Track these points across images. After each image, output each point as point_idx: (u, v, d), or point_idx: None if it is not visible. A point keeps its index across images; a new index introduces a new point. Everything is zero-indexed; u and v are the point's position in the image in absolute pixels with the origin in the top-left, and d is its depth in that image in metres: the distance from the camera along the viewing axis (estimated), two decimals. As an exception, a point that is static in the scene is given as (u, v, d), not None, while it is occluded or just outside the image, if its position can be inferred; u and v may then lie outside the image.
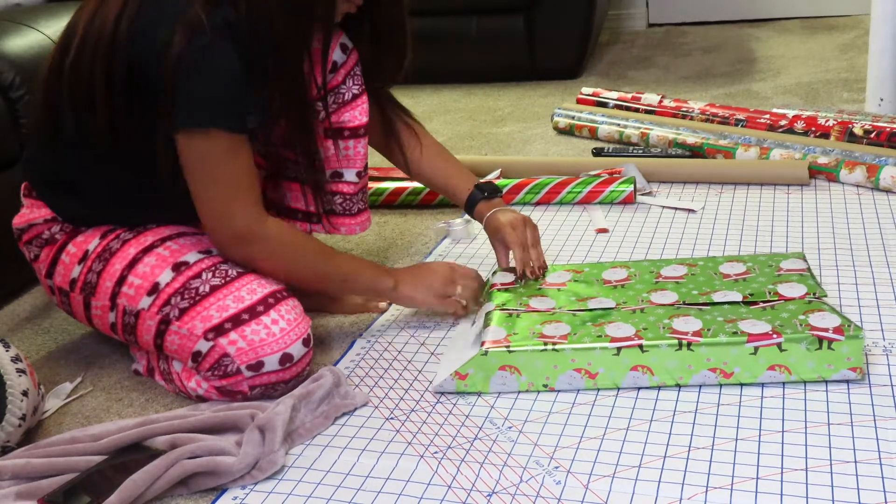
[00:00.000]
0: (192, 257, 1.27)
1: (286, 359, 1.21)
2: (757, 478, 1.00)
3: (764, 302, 1.25)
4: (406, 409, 1.21)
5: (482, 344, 1.21)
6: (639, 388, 1.19)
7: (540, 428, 1.13)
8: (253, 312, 1.21)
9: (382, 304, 1.50)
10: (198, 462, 1.07)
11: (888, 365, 1.18)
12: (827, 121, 2.03)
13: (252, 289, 1.24)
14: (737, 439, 1.06)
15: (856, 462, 1.00)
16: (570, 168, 2.00)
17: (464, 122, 2.62)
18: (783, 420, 1.09)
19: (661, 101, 2.35)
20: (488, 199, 1.48)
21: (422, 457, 1.10)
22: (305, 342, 1.24)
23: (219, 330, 1.20)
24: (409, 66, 1.41)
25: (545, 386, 1.20)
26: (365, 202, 1.46)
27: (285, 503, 1.04)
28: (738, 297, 1.26)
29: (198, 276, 1.25)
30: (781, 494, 0.97)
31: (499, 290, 1.38)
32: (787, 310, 1.21)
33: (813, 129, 2.03)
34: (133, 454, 1.10)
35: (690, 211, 1.78)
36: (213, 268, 1.26)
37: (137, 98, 1.20)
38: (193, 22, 1.14)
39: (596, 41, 3.31)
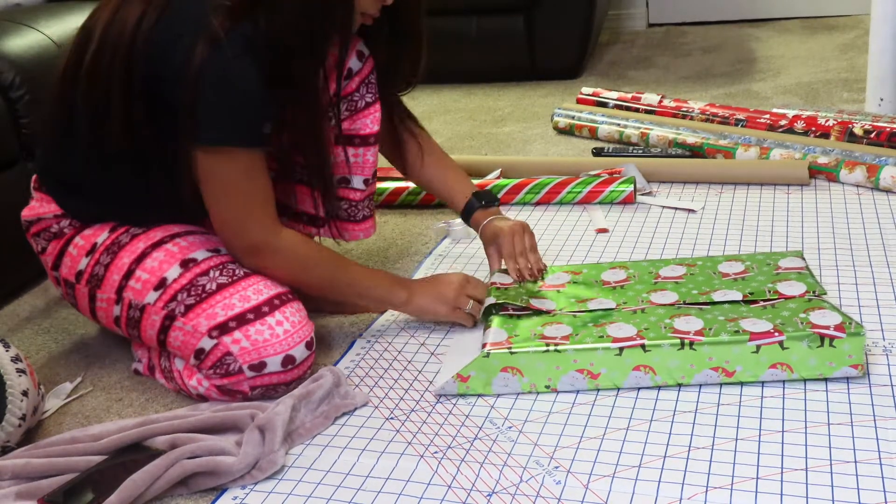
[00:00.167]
0: (200, 255, 1.28)
1: (288, 360, 1.21)
2: (757, 478, 1.00)
3: (764, 300, 1.25)
4: (406, 409, 1.21)
5: (484, 346, 1.21)
6: (639, 389, 1.19)
7: (540, 428, 1.13)
8: (258, 313, 1.21)
9: (382, 305, 1.50)
10: (198, 462, 1.07)
11: (888, 365, 1.18)
12: (827, 121, 2.03)
13: (258, 289, 1.24)
14: (737, 439, 1.06)
15: (856, 462, 1.00)
16: (570, 168, 2.00)
17: (464, 122, 2.62)
18: (783, 420, 1.09)
19: (661, 101, 2.35)
20: (485, 208, 1.49)
21: (422, 457, 1.10)
22: (308, 345, 1.24)
23: (223, 328, 1.21)
24: (423, 72, 1.41)
25: (547, 387, 1.20)
26: (371, 209, 1.46)
27: (285, 503, 1.04)
28: (738, 297, 1.26)
29: (205, 273, 1.25)
30: (781, 494, 0.97)
31: (499, 288, 1.38)
32: (788, 308, 1.21)
33: (813, 129, 2.03)
34: (133, 454, 1.10)
35: (690, 211, 1.78)
36: (221, 266, 1.26)
37: (155, 107, 1.20)
38: (214, 36, 1.14)
39: (596, 41, 3.31)
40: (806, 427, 1.07)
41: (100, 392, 1.35)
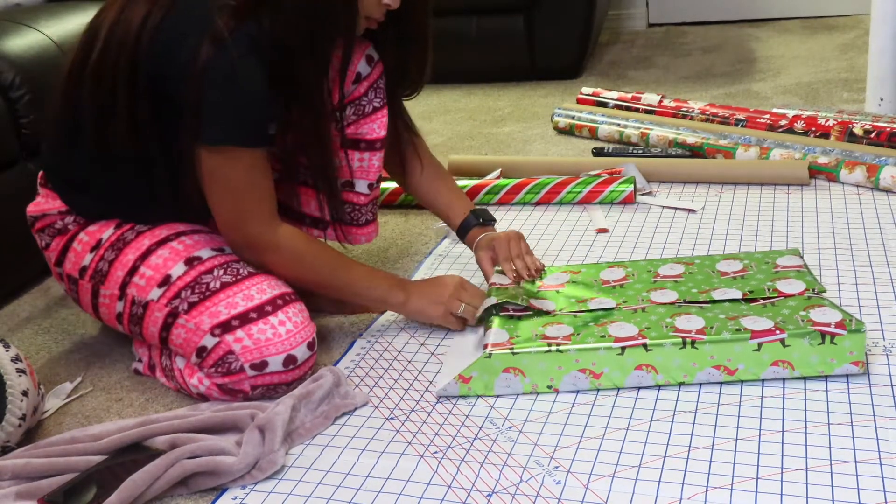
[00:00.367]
0: (205, 253, 1.28)
1: (290, 360, 1.21)
2: (757, 478, 1.00)
3: (764, 299, 1.25)
4: (406, 409, 1.21)
5: (485, 347, 1.21)
6: (639, 388, 1.19)
7: (540, 428, 1.13)
8: (261, 312, 1.22)
9: (382, 305, 1.50)
10: (198, 462, 1.07)
11: (888, 364, 1.18)
12: (827, 121, 2.03)
13: (262, 288, 1.24)
14: (737, 439, 1.06)
15: (856, 462, 1.00)
16: (570, 168, 2.00)
17: (464, 122, 2.62)
18: (783, 420, 1.09)
19: (661, 101, 2.35)
20: (482, 227, 1.49)
21: (422, 457, 1.10)
22: (310, 346, 1.24)
23: (226, 326, 1.21)
24: (428, 76, 1.42)
25: (549, 387, 1.20)
26: (374, 213, 1.47)
27: (285, 503, 1.04)
28: (738, 295, 1.26)
29: (209, 271, 1.25)
30: (781, 494, 0.97)
31: (498, 288, 1.38)
32: (788, 306, 1.21)
33: (813, 129, 2.03)
34: (133, 454, 1.10)
35: (690, 211, 1.78)
36: (226, 265, 1.27)
37: (160, 106, 1.21)
38: (219, 36, 1.15)
39: (596, 41, 3.31)
40: (806, 427, 1.08)
41: (100, 392, 1.35)
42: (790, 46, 3.14)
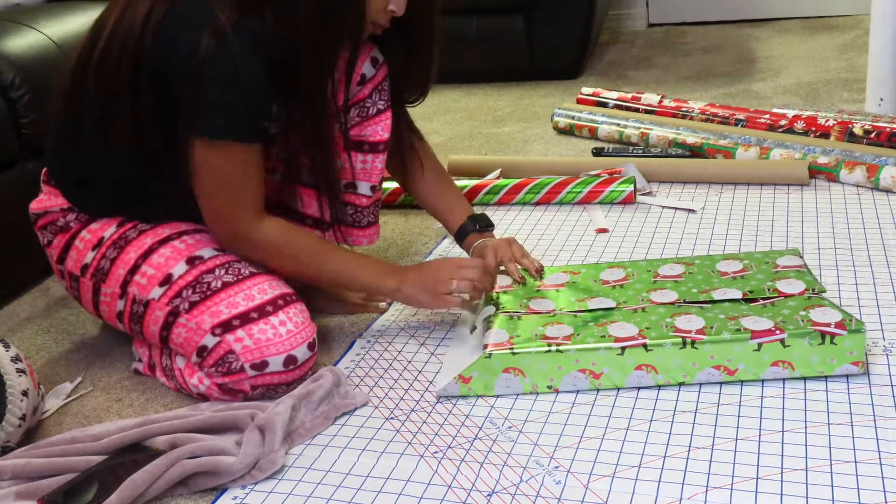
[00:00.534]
0: (207, 252, 1.28)
1: (290, 361, 1.21)
2: (757, 478, 1.00)
3: (764, 299, 1.25)
4: (406, 409, 1.21)
5: (485, 347, 1.21)
6: (639, 388, 1.19)
7: (540, 428, 1.13)
8: (262, 312, 1.22)
9: (382, 305, 1.50)
10: (198, 462, 1.07)
11: (888, 365, 1.18)
12: (827, 121, 2.03)
13: (263, 289, 1.24)
14: (737, 439, 1.06)
15: (856, 462, 1.00)
16: (570, 168, 2.00)
17: (464, 122, 2.62)
18: (783, 420, 1.09)
19: (661, 101, 2.35)
20: (479, 232, 1.48)
21: (422, 457, 1.10)
22: (311, 346, 1.24)
23: (226, 326, 1.21)
24: (433, 81, 1.42)
25: (549, 387, 1.20)
26: (376, 215, 1.46)
27: (285, 503, 1.04)
28: (738, 295, 1.26)
29: (211, 271, 1.26)
30: (781, 494, 0.97)
31: (497, 292, 1.38)
32: (788, 306, 1.21)
33: (813, 129, 2.03)
34: (133, 454, 1.10)
35: (690, 211, 1.78)
36: (227, 265, 1.27)
37: (162, 102, 1.21)
38: (219, 30, 1.15)
39: (596, 41, 3.31)
40: (806, 427, 1.08)
41: (100, 392, 1.35)
42: (790, 46, 3.14)
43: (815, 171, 1.87)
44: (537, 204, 1.90)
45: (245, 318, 1.21)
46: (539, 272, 1.41)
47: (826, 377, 1.16)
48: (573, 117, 2.37)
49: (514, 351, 1.19)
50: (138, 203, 1.33)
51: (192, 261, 1.27)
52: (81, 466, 1.09)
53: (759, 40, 3.27)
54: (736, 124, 2.15)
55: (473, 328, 1.35)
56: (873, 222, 1.64)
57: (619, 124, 2.26)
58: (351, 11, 1.21)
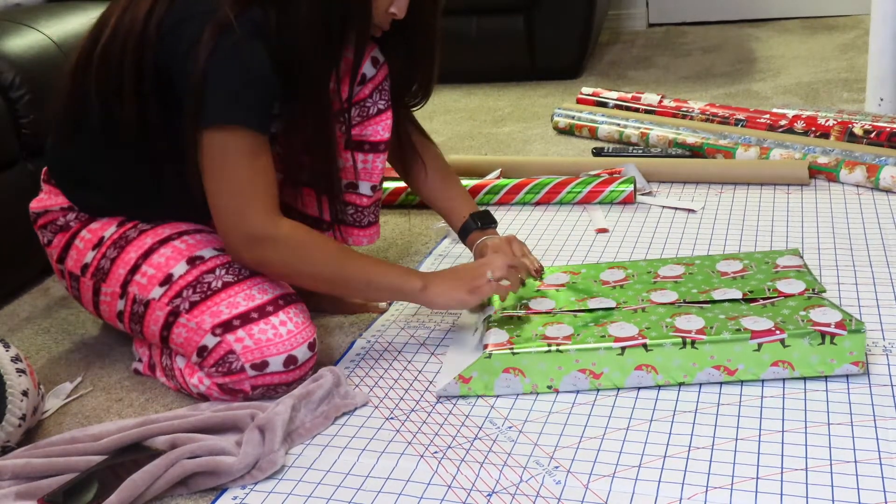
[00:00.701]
0: (207, 253, 1.28)
1: (290, 361, 1.21)
2: (757, 478, 1.00)
3: (764, 299, 1.25)
4: (406, 409, 1.21)
5: (485, 347, 1.21)
6: (639, 388, 1.19)
7: (540, 428, 1.13)
8: (262, 312, 1.22)
9: (382, 305, 1.50)
10: (198, 462, 1.07)
11: (888, 365, 1.18)
12: (827, 121, 2.03)
13: (263, 288, 1.24)
14: (737, 439, 1.06)
15: (856, 462, 1.00)
16: (570, 168, 2.00)
17: (464, 122, 2.62)
18: (783, 420, 1.09)
19: (661, 101, 2.35)
20: (482, 230, 1.48)
21: (422, 457, 1.10)
22: (311, 346, 1.24)
23: (227, 326, 1.21)
24: (435, 83, 1.42)
25: (549, 388, 1.20)
26: (376, 215, 1.46)
27: (285, 503, 1.04)
28: (738, 295, 1.26)
29: (211, 271, 1.25)
30: (781, 494, 0.97)
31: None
32: (788, 306, 1.21)
33: (813, 129, 2.03)
34: (133, 454, 1.10)
35: (690, 211, 1.78)
36: (228, 264, 1.27)
37: (165, 96, 1.20)
38: (223, 22, 1.14)
39: (596, 41, 3.31)
40: (806, 427, 1.07)
41: (100, 392, 1.35)
42: (790, 46, 3.14)
43: (815, 171, 1.87)
44: (537, 204, 1.90)
45: (245, 318, 1.21)
46: (539, 272, 1.41)
47: (826, 377, 1.16)
48: (573, 117, 2.37)
49: (514, 351, 1.19)
50: (139, 202, 1.33)
51: (192, 261, 1.27)
52: (81, 466, 1.09)
53: (759, 40, 3.27)
54: (736, 124, 2.15)
55: (476, 330, 1.35)
56: (873, 222, 1.64)
57: (619, 124, 2.26)
58: (357, 13, 1.21)
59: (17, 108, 1.65)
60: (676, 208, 1.80)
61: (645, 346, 1.16)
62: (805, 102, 2.46)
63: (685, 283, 1.33)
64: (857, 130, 1.97)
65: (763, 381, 1.17)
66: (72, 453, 1.12)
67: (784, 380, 1.17)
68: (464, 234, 1.50)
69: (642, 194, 1.88)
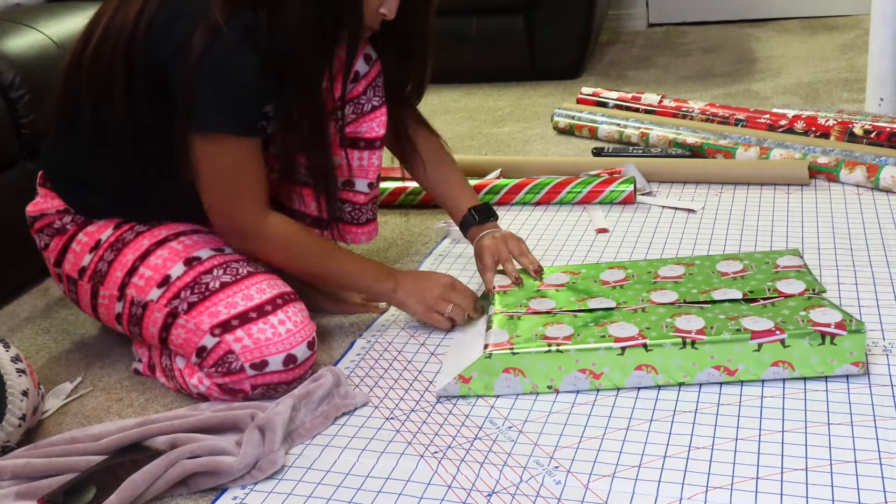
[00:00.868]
0: (204, 253, 1.28)
1: (290, 360, 1.21)
2: (757, 478, 1.00)
3: (764, 299, 1.25)
4: (406, 409, 1.21)
5: (485, 347, 1.21)
6: (639, 388, 1.19)
7: (540, 428, 1.13)
8: (261, 311, 1.22)
9: (382, 305, 1.50)
10: (198, 462, 1.07)
11: (888, 365, 1.18)
12: (827, 121, 2.03)
13: (262, 288, 1.24)
14: (737, 439, 1.06)
15: (856, 462, 1.00)
16: (570, 168, 2.00)
17: (464, 122, 2.62)
18: (783, 420, 1.09)
19: (661, 101, 2.35)
20: (480, 224, 1.48)
21: (422, 457, 1.10)
22: (310, 345, 1.24)
23: (225, 326, 1.21)
24: (428, 82, 1.42)
25: (549, 388, 1.19)
26: (374, 212, 1.47)
27: (285, 503, 1.04)
28: (738, 295, 1.26)
29: (209, 271, 1.26)
30: (781, 494, 0.97)
31: (498, 292, 1.38)
32: (788, 306, 1.21)
33: (813, 129, 2.03)
34: (133, 454, 1.10)
35: (690, 211, 1.78)
36: (225, 265, 1.27)
37: (156, 95, 1.20)
38: (213, 25, 1.15)
39: (596, 41, 3.31)
40: (806, 427, 1.07)
41: (100, 392, 1.35)
42: (790, 46, 3.14)
43: (815, 171, 1.87)
44: (537, 204, 1.90)
45: (244, 318, 1.21)
46: (538, 272, 1.41)
47: (826, 377, 1.16)
48: (573, 117, 2.37)
49: (515, 351, 1.19)
50: (135, 203, 1.32)
51: (189, 262, 1.27)
52: (81, 466, 1.09)
53: (759, 40, 3.27)
54: (736, 124, 2.15)
55: (476, 329, 1.35)
56: (873, 222, 1.64)
57: (619, 124, 2.26)
58: (348, 14, 1.21)
59: (17, 108, 1.65)
60: (676, 208, 1.80)
61: (645, 346, 1.16)
62: (805, 102, 2.46)
63: (685, 284, 1.33)
64: (857, 130, 1.97)
65: (763, 381, 1.17)
66: (72, 453, 1.12)
67: (784, 380, 1.17)
68: (464, 229, 1.51)
69: (642, 194, 1.88)
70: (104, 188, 1.32)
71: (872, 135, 1.94)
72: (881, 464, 1.00)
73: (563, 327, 1.23)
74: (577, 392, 1.19)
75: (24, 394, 1.16)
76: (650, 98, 2.37)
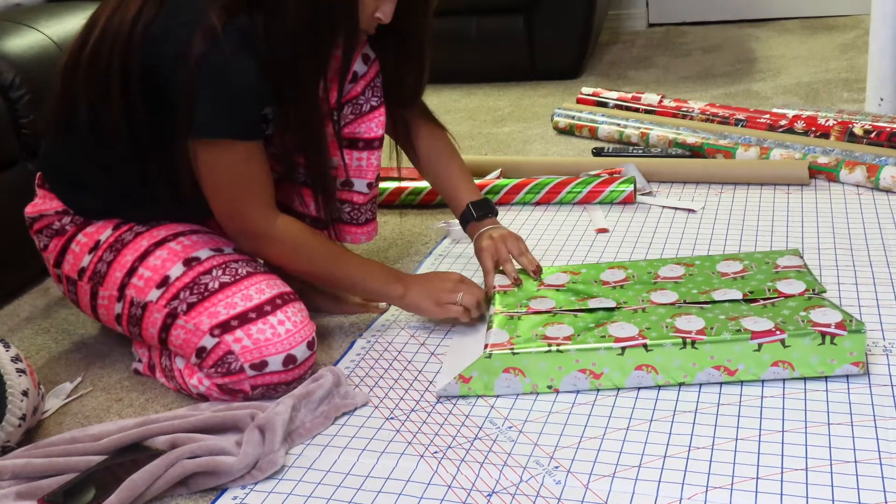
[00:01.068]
0: (203, 254, 1.28)
1: (289, 360, 1.21)
2: (757, 478, 1.00)
3: (764, 299, 1.25)
4: (406, 409, 1.21)
5: (485, 347, 1.21)
6: (640, 388, 1.19)
7: (540, 428, 1.13)
8: (260, 311, 1.22)
9: (382, 305, 1.50)
10: (198, 462, 1.07)
11: (888, 365, 1.18)
12: (827, 121, 2.03)
13: (261, 288, 1.24)
14: (737, 439, 1.06)
15: (856, 462, 1.00)
16: (570, 168, 2.00)
17: (464, 122, 2.62)
18: (783, 420, 1.09)
19: (661, 101, 2.35)
20: (478, 220, 1.49)
21: (422, 457, 1.10)
22: (310, 345, 1.24)
23: (225, 327, 1.21)
24: (425, 84, 1.42)
25: (549, 388, 1.19)
26: (373, 212, 1.47)
27: (285, 503, 1.04)
28: (738, 295, 1.26)
29: (208, 272, 1.26)
30: (781, 494, 0.97)
31: (498, 292, 1.38)
32: (788, 306, 1.21)
33: (813, 129, 2.03)
34: (133, 454, 1.10)
35: (690, 211, 1.78)
36: (224, 265, 1.27)
37: (152, 98, 1.20)
38: (210, 31, 1.15)
39: (596, 41, 3.31)
40: (806, 427, 1.07)
41: (100, 392, 1.35)
42: (790, 46, 3.14)
43: (815, 171, 1.87)
44: (537, 204, 1.90)
45: (243, 319, 1.21)
46: (537, 272, 1.41)
47: (826, 377, 1.16)
48: (573, 117, 2.37)
49: (515, 351, 1.19)
50: (133, 203, 1.32)
51: (188, 262, 1.27)
52: (81, 466, 1.09)
53: (759, 40, 3.27)
54: (736, 124, 2.15)
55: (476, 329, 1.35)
56: (873, 222, 1.64)
57: (619, 124, 2.26)
58: (344, 18, 1.21)
59: (17, 108, 1.65)
60: (676, 208, 1.80)
61: (645, 346, 1.16)
62: (805, 102, 2.46)
63: (685, 284, 1.33)
64: (857, 130, 1.97)
65: (763, 381, 1.17)
66: (72, 453, 1.12)
67: (784, 380, 1.17)
68: (463, 224, 1.51)
69: (642, 194, 1.88)
70: (101, 189, 1.32)
71: (872, 135, 1.94)
72: (881, 464, 1.00)
73: (563, 327, 1.23)
74: (577, 392, 1.19)
75: (24, 394, 1.17)
76: (650, 98, 2.37)
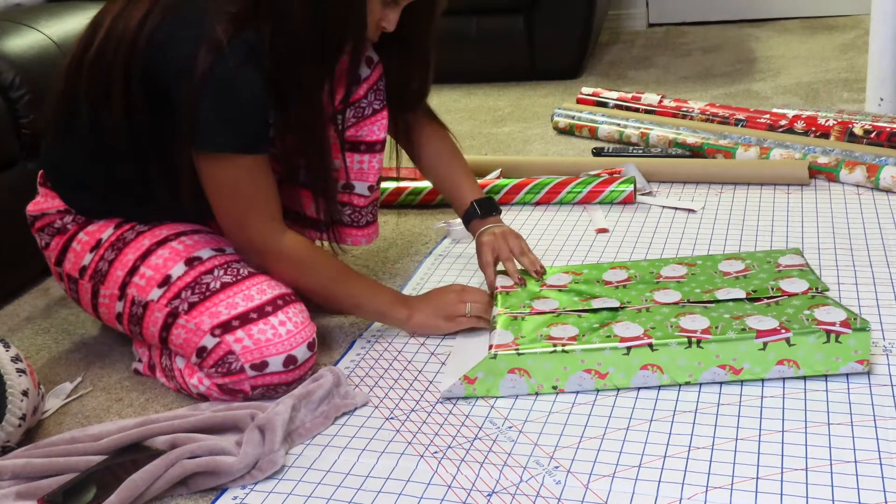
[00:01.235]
0: (205, 253, 1.28)
1: (290, 361, 1.21)
2: (757, 478, 1.00)
3: (768, 298, 1.25)
4: (406, 409, 1.20)
5: (490, 347, 1.21)
6: (639, 388, 1.19)
7: (540, 428, 1.13)
8: (261, 312, 1.22)
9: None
10: (198, 462, 1.07)
11: (888, 364, 1.18)
12: (827, 121, 2.03)
13: (262, 289, 1.24)
14: (737, 439, 1.06)
15: (856, 462, 1.00)
16: (570, 168, 2.00)
17: (464, 122, 2.62)
18: (783, 420, 1.09)
19: (661, 101, 2.35)
20: (482, 218, 1.49)
21: (422, 457, 1.10)
22: (310, 346, 1.24)
23: (226, 327, 1.21)
24: (429, 88, 1.43)
25: (554, 388, 1.19)
26: (374, 215, 1.47)
27: (285, 503, 1.04)
28: (742, 295, 1.26)
29: (210, 272, 1.26)
30: (781, 494, 0.97)
31: (500, 293, 1.38)
32: (792, 305, 1.21)
33: (813, 129, 2.03)
34: (133, 454, 1.10)
35: (690, 211, 1.78)
36: (226, 265, 1.27)
37: (153, 101, 1.20)
38: (216, 44, 1.14)
39: (596, 41, 3.31)
40: (806, 427, 1.07)
41: (100, 392, 1.35)
42: (790, 46, 3.14)
43: (815, 171, 1.87)
44: (537, 204, 1.90)
45: (244, 319, 1.21)
46: (539, 273, 1.41)
47: (827, 376, 1.16)
48: (573, 117, 2.37)
49: (520, 352, 1.19)
50: (134, 203, 1.32)
51: (190, 262, 1.27)
52: (81, 466, 1.09)
53: (759, 40, 3.27)
54: (736, 124, 2.15)
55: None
56: (873, 222, 1.64)
57: (619, 124, 2.26)
58: (352, 27, 1.21)
59: (17, 108, 1.65)
60: (676, 208, 1.80)
61: (650, 345, 1.16)
62: (805, 102, 2.46)
63: (688, 283, 1.33)
64: (857, 130, 1.97)
65: (764, 380, 1.17)
66: (72, 453, 1.12)
67: (784, 379, 1.17)
68: (466, 222, 1.51)
69: (642, 194, 1.88)
70: (103, 189, 1.32)
71: (872, 135, 1.94)
72: (881, 464, 1.00)
73: (567, 328, 1.23)
74: (578, 392, 1.19)
75: (24, 394, 1.16)
76: (650, 98, 2.37)
